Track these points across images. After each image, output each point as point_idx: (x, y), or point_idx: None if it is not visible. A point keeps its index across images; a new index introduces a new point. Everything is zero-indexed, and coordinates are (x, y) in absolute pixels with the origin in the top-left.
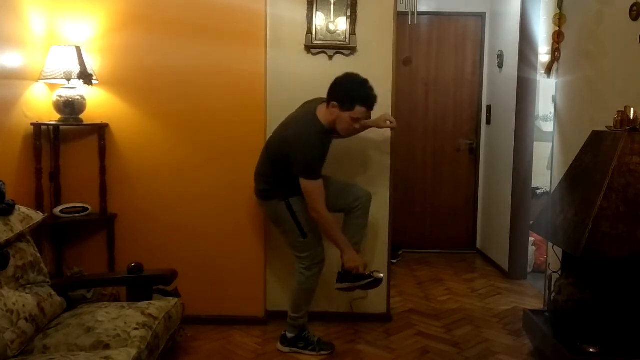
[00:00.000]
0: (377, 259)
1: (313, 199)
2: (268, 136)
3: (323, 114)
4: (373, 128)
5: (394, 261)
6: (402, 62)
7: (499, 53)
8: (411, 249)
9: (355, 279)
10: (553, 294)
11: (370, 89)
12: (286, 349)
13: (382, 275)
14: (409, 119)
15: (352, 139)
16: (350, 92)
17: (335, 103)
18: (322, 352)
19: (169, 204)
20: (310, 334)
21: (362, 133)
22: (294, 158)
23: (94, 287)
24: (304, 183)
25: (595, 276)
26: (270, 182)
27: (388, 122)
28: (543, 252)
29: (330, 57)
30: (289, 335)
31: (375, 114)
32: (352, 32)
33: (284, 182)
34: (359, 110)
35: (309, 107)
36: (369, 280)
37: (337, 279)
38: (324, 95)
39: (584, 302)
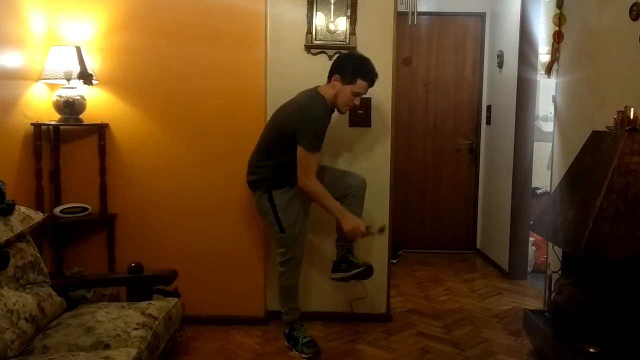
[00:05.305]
0: (377, 259)
1: (304, 169)
2: None
3: (324, 89)
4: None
5: (394, 261)
6: (402, 62)
7: (499, 53)
8: (411, 249)
9: (347, 268)
10: (553, 294)
11: (372, 64)
12: (287, 344)
13: (367, 264)
14: (409, 119)
15: (352, 139)
16: (352, 65)
17: (337, 76)
18: (303, 355)
19: (169, 204)
20: (300, 334)
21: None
22: (301, 127)
23: (94, 287)
24: (303, 153)
25: (595, 276)
26: (257, 172)
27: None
28: (543, 252)
29: (330, 57)
30: (285, 330)
31: (376, 114)
32: (352, 32)
33: (270, 173)
34: (360, 84)
35: (308, 89)
36: (361, 269)
37: (332, 268)
38: None
39: (584, 302)
